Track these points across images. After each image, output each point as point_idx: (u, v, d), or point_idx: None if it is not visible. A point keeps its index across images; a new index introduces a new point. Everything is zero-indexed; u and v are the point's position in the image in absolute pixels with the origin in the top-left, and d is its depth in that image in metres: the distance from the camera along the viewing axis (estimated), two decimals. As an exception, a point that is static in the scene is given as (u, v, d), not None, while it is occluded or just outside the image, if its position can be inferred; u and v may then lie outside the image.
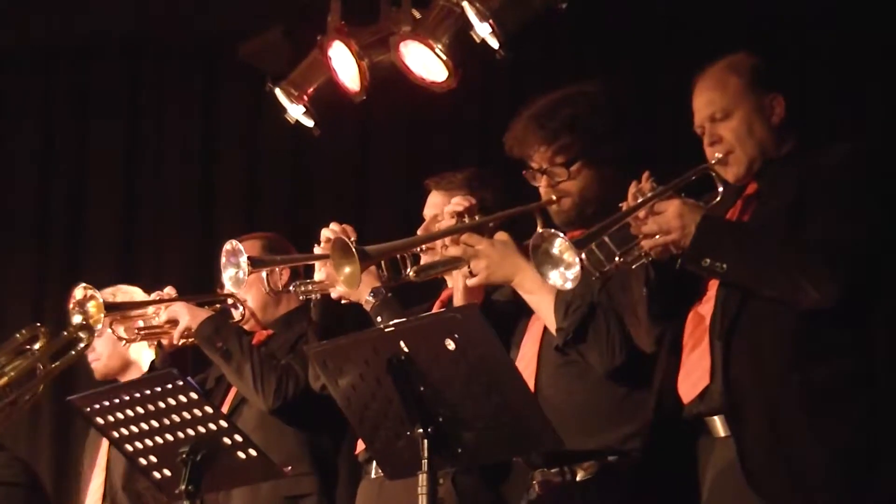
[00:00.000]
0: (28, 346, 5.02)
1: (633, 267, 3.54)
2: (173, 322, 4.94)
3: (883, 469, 3.25)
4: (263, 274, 4.75)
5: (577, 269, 3.43)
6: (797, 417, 3.30)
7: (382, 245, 3.98)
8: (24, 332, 5.05)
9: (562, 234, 3.49)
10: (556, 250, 3.50)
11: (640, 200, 3.49)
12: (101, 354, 5.35)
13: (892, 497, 3.25)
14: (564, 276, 3.49)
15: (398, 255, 4.17)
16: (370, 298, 4.24)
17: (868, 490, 3.24)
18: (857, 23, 5.71)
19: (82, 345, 4.95)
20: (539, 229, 3.54)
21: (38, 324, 5.07)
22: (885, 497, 3.25)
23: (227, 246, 4.54)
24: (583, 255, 3.44)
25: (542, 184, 3.97)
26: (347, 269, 3.90)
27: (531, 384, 3.78)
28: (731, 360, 3.39)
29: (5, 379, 4.95)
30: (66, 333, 4.93)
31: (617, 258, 3.53)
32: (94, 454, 5.38)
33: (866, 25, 5.69)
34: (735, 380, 3.38)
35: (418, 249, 4.21)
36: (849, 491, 3.25)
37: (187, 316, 4.89)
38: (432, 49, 5.04)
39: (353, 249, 3.84)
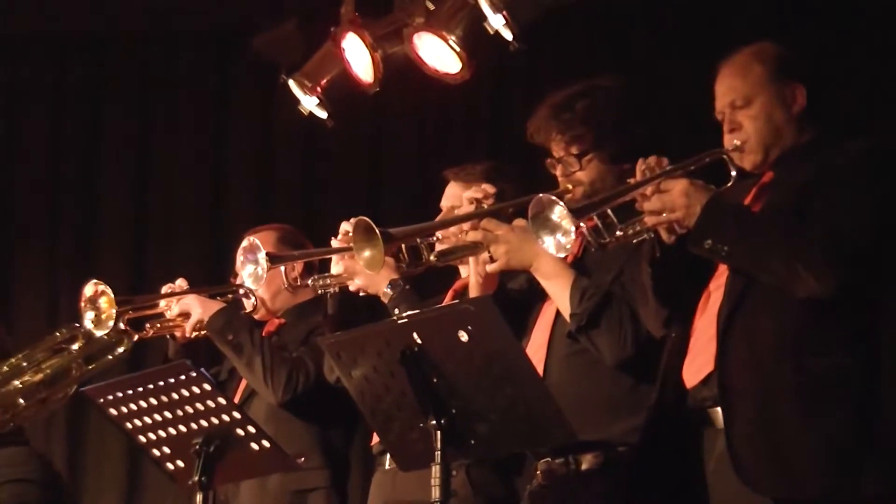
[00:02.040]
0: (65, 346, 5.01)
1: (635, 243, 3.55)
2: (185, 315, 4.94)
3: (871, 463, 3.23)
4: (282, 268, 4.74)
5: (572, 236, 3.44)
6: (789, 406, 3.29)
7: (405, 228, 3.99)
8: (63, 331, 5.03)
9: (561, 202, 3.50)
10: (555, 217, 3.50)
11: (648, 176, 3.49)
12: None
13: (878, 491, 3.24)
14: (560, 244, 3.49)
15: (418, 242, 4.16)
16: (388, 291, 4.24)
17: (855, 483, 3.22)
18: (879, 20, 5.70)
19: (121, 349, 4.95)
20: (539, 195, 3.54)
21: (78, 324, 5.02)
22: (871, 491, 3.23)
23: (245, 243, 4.53)
24: (580, 224, 3.45)
25: (558, 173, 4.00)
26: (368, 253, 3.90)
27: (539, 371, 3.78)
28: (728, 344, 3.39)
29: (40, 375, 4.94)
30: (105, 337, 4.91)
31: (618, 232, 3.54)
32: None
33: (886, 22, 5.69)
34: (730, 365, 3.38)
35: (435, 238, 4.20)
36: (836, 483, 3.24)
37: (199, 308, 4.89)
38: (445, 41, 5.03)
39: (377, 231, 3.84)
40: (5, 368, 4.91)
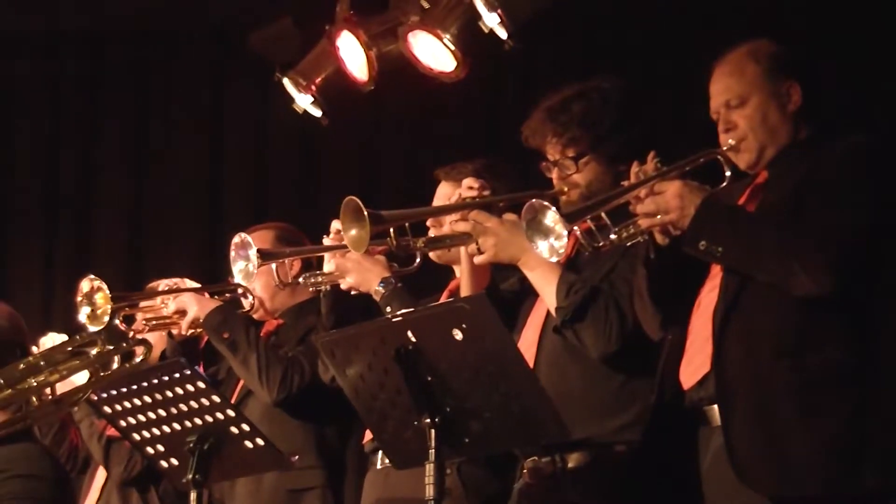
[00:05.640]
0: (85, 350, 4.99)
1: (629, 245, 3.55)
2: (181, 312, 4.94)
3: (869, 461, 3.23)
4: (273, 265, 4.74)
5: (565, 241, 3.45)
6: (786, 405, 3.29)
7: (394, 211, 3.98)
8: (83, 334, 5.01)
9: (553, 207, 3.51)
10: (548, 221, 3.52)
11: (642, 178, 3.49)
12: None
13: (877, 489, 3.24)
14: (553, 248, 3.51)
15: (407, 230, 4.14)
16: (380, 289, 4.24)
17: (854, 482, 3.22)
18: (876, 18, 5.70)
19: (139, 359, 4.93)
20: (532, 200, 3.54)
21: (97, 329, 5.00)
22: (870, 489, 3.23)
23: (236, 239, 4.53)
24: (574, 228, 3.45)
25: (553, 175, 3.99)
26: (354, 231, 3.90)
27: (529, 368, 3.79)
28: (724, 344, 3.39)
29: (56, 376, 4.93)
30: (124, 345, 4.90)
31: (612, 235, 3.54)
32: None
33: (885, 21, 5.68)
34: (727, 363, 3.38)
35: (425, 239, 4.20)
36: (835, 481, 3.24)
37: (195, 306, 4.89)
38: (440, 39, 5.04)
39: (365, 211, 3.84)
40: (22, 366, 4.90)
